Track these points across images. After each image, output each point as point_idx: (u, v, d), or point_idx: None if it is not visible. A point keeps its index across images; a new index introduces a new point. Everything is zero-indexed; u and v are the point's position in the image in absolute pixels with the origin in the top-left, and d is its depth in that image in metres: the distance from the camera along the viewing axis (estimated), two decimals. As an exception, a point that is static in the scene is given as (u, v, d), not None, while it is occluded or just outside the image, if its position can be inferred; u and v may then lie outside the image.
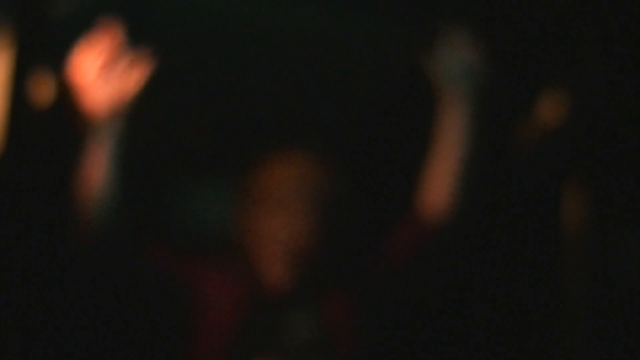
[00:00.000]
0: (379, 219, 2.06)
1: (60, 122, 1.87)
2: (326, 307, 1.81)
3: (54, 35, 1.83)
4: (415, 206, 1.84)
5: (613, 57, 1.92)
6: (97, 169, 1.68)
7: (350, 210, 1.92)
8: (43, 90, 1.86)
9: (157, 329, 2.00)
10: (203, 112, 2.24)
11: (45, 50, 1.81)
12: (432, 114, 1.81)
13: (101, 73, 1.66)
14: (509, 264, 2.15)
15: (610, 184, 1.95)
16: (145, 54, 1.68)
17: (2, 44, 1.67)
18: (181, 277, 1.82)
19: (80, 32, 1.69)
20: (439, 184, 1.80)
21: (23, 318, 1.82)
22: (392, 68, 2.10)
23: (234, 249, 1.87)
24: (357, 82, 2.17)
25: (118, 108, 1.68)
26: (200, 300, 1.81)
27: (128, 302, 1.97)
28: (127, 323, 2.05)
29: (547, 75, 2.03)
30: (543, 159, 2.08)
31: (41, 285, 1.91)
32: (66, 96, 1.74)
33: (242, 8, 1.95)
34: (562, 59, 1.99)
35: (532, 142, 2.08)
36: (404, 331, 2.10)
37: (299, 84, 2.17)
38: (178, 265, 1.83)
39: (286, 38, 2.03)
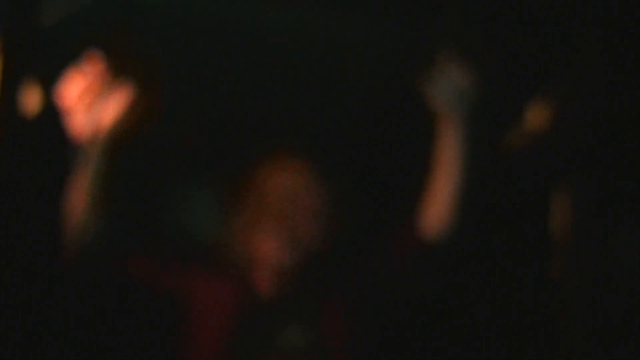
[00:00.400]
0: (376, 228, 2.06)
1: (48, 130, 1.88)
2: (320, 314, 1.81)
3: (42, 43, 1.82)
4: (413, 220, 1.85)
5: (613, 57, 1.91)
6: (79, 190, 1.74)
7: (345, 218, 1.92)
8: (31, 99, 1.84)
9: (149, 338, 1.99)
10: (196, 117, 2.23)
11: (34, 59, 1.79)
12: (431, 118, 1.82)
13: (82, 99, 1.73)
14: (504, 268, 2.15)
15: (606, 184, 1.95)
16: (126, 84, 1.75)
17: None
18: (173, 287, 1.83)
19: (69, 41, 1.72)
20: (436, 201, 1.82)
21: (7, 335, 1.81)
22: (391, 70, 2.09)
23: (227, 256, 1.87)
24: (356, 86, 2.16)
25: (98, 133, 1.74)
26: (193, 308, 1.81)
27: (118, 314, 1.98)
28: (119, 334, 2.04)
29: (542, 77, 2.03)
30: (538, 161, 2.09)
31: (29, 298, 1.90)
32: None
33: (238, 10, 1.93)
34: (560, 60, 1.99)
35: (527, 144, 2.08)
36: (398, 338, 2.10)
37: (297, 87, 2.16)
38: (170, 275, 1.84)
39: (284, 40, 2.02)
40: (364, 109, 2.21)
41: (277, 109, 2.18)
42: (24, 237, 1.88)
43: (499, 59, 1.89)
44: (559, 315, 1.98)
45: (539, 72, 2.02)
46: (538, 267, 2.09)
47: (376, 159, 2.29)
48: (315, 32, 2.01)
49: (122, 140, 1.75)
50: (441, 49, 1.78)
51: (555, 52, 1.98)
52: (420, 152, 1.81)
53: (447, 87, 1.77)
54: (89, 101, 1.73)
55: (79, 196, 1.74)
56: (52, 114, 1.85)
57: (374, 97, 2.18)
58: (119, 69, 1.72)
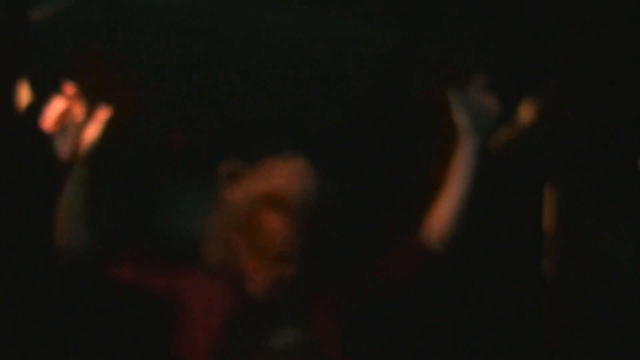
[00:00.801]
0: (375, 232, 2.06)
1: (38, 128, 1.90)
2: (313, 314, 1.79)
3: (34, 43, 1.82)
4: (416, 229, 1.85)
5: (611, 57, 1.90)
6: (62, 207, 1.78)
7: (340, 221, 1.91)
8: (23, 98, 1.84)
9: (143, 340, 1.99)
10: (189, 118, 2.21)
11: (25, 57, 1.79)
12: (430, 118, 1.83)
13: (60, 125, 1.77)
14: (500, 266, 2.14)
15: (600, 182, 1.94)
16: (104, 110, 1.80)
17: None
18: (166, 289, 1.82)
19: (60, 41, 1.71)
20: (442, 213, 1.83)
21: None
22: (389, 71, 2.08)
23: (220, 257, 1.86)
24: (353, 87, 2.15)
25: (77, 156, 1.78)
26: (186, 309, 1.81)
27: (111, 316, 1.99)
28: (113, 336, 2.04)
29: (536, 76, 2.02)
30: (533, 159, 2.08)
31: (22, 301, 1.90)
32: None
33: (235, 9, 1.92)
34: (556, 60, 1.98)
35: (522, 142, 2.06)
36: (390, 339, 2.09)
37: (295, 88, 2.14)
38: (163, 277, 1.83)
39: (285, 41, 2.00)
40: (368, 112, 2.20)
41: (277, 110, 2.17)
42: (15, 237, 1.89)
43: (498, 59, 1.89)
44: (554, 313, 1.97)
45: (532, 71, 2.01)
46: (533, 265, 2.08)
47: (380, 163, 2.28)
48: (318, 35, 1.99)
49: (103, 159, 1.80)
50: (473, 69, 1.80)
51: (551, 52, 1.96)
52: (426, 158, 1.82)
53: (474, 106, 1.80)
54: (68, 125, 1.77)
55: (61, 212, 1.77)
56: (41, 111, 1.86)
57: (381, 101, 2.17)
58: (98, 93, 1.78)
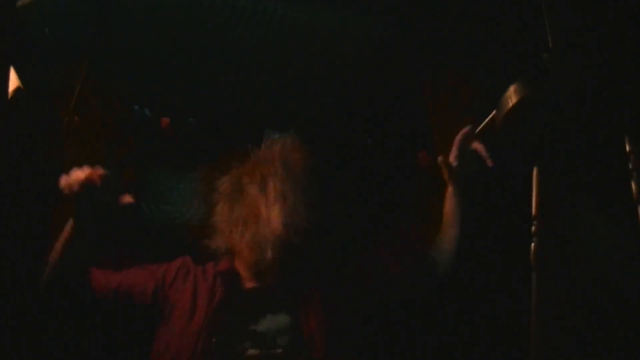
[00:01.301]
0: (366, 227, 2.07)
1: (28, 121, 1.84)
2: (303, 308, 1.81)
3: (25, 37, 1.77)
4: (408, 226, 1.87)
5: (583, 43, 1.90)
6: (62, 241, 1.79)
7: (332, 214, 1.92)
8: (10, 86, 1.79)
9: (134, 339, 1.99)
10: (181, 107, 2.19)
11: (12, 47, 1.74)
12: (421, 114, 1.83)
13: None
14: (489, 260, 2.16)
15: (584, 171, 1.97)
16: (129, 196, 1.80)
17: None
18: (156, 288, 1.84)
19: (49, 29, 1.66)
20: (444, 244, 1.93)
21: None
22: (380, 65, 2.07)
23: (211, 251, 1.87)
24: (348, 77, 2.13)
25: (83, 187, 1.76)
26: (178, 304, 1.81)
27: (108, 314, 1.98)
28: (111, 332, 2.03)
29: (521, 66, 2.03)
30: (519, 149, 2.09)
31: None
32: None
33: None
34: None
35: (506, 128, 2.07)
36: (381, 332, 2.10)
37: (289, 78, 2.12)
38: (153, 274, 1.86)
39: (285, 39, 1.97)
40: (362, 103, 2.20)
41: (270, 100, 2.16)
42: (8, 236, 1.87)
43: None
44: (541, 302, 2.00)
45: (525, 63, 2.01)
46: (520, 252, 2.10)
47: (375, 160, 2.29)
48: (315, 26, 1.98)
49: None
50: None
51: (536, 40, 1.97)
52: (420, 150, 1.82)
53: (463, 157, 1.88)
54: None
55: (59, 245, 1.79)
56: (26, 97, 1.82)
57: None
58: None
